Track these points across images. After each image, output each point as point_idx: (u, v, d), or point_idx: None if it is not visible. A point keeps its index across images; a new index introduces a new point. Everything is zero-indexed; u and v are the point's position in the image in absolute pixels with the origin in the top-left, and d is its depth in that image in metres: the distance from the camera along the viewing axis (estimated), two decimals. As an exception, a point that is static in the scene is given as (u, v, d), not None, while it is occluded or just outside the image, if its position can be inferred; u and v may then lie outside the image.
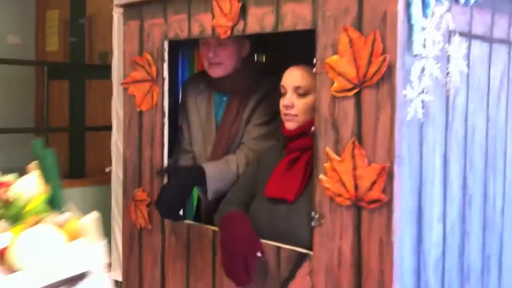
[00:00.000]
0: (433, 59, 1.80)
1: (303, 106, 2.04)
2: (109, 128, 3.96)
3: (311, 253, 1.90)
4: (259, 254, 1.98)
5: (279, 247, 1.98)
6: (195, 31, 2.23)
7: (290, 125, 2.08)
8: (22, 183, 1.70)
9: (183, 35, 2.28)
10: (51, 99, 4.73)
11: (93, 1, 5.12)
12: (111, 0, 3.43)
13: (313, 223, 1.88)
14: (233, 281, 1.99)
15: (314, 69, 1.86)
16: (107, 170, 3.73)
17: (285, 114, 2.09)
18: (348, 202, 1.79)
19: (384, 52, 1.69)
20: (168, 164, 2.40)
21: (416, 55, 1.73)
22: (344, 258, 1.82)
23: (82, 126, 5.02)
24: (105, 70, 4.60)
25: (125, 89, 2.53)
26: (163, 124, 2.39)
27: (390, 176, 1.70)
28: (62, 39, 5.47)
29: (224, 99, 2.51)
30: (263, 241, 2.02)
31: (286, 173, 2.06)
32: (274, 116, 2.36)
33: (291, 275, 1.95)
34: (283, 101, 2.08)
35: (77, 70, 5.11)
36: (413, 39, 1.71)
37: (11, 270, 1.38)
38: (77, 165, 4.97)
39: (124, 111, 2.56)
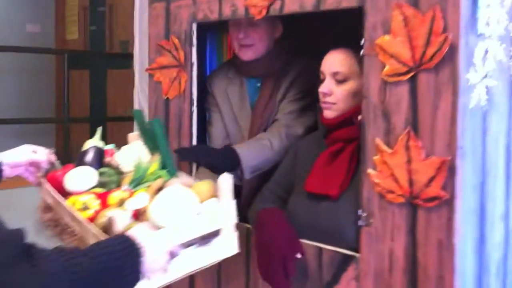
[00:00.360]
0: (497, 39, 1.60)
1: (342, 94, 1.87)
2: (131, 118, 3.83)
3: (357, 255, 1.72)
4: (299, 255, 1.80)
5: (321, 248, 1.80)
6: (227, 11, 2.05)
7: (328, 113, 1.91)
8: (127, 151, 1.85)
9: (213, 16, 2.10)
10: (71, 88, 4.62)
11: (113, -12, 4.98)
12: (131, -13, 3.29)
13: (360, 223, 1.70)
14: (270, 286, 1.81)
15: (361, 52, 1.67)
16: None
17: (323, 102, 1.92)
18: (401, 200, 1.61)
19: (445, 30, 1.49)
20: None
21: (480, 35, 1.53)
22: (396, 262, 1.63)
23: (103, 116, 4.88)
24: (126, 59, 4.50)
25: (150, 76, 2.35)
26: (191, 113, 2.21)
27: (451, 170, 1.51)
28: (82, 27, 5.35)
29: (258, 84, 2.34)
30: (303, 241, 1.84)
31: (329, 166, 1.88)
32: (307, 93, 2.24)
33: (335, 280, 1.77)
34: (321, 88, 1.91)
35: (98, 59, 4.98)
36: (478, 16, 1.51)
37: (153, 228, 1.45)
38: (98, 157, 4.82)
39: (149, 99, 2.39)
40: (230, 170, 1.97)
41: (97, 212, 1.59)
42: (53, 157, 1.88)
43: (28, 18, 5.44)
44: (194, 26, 2.18)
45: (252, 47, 2.26)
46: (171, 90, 2.26)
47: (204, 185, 1.67)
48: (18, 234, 1.13)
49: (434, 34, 1.51)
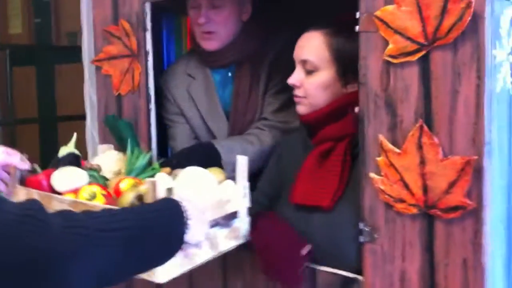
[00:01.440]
0: (522, 5, 1.30)
1: (310, 86, 1.59)
2: (82, 117, 3.50)
3: (360, 278, 1.40)
4: (304, 251, 1.49)
5: (314, 270, 1.48)
6: (186, -12, 1.70)
7: (300, 108, 1.63)
8: (104, 158, 1.81)
9: (170, -6, 1.75)
10: (16, 87, 4.21)
11: (58, -23, 4.59)
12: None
13: (362, 238, 1.38)
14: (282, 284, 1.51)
15: (356, 27, 1.34)
16: None
17: (294, 95, 1.64)
18: (414, 210, 1.29)
19: (465, -5, 1.18)
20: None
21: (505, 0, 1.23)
22: (409, 285, 1.32)
23: (53, 116, 4.49)
24: (75, 52, 4.11)
25: (98, 69, 1.99)
26: (148, 111, 1.86)
27: (477, 172, 1.21)
28: (26, 20, 4.93)
29: (230, 74, 2.01)
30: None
31: (318, 171, 1.56)
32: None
33: (332, 308, 1.45)
34: (289, 79, 1.63)
35: (44, 54, 4.58)
36: (506, -25, 1.20)
37: None
38: (50, 160, 4.45)
39: (97, 96, 2.03)
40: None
41: (108, 198, 1.52)
42: (26, 161, 1.70)
43: (-36, 12, 5.02)
44: (148, 7, 1.82)
45: (215, 35, 1.94)
46: (123, 85, 1.90)
47: (214, 170, 1.64)
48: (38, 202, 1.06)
49: (451, 1, 1.19)
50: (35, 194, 1.59)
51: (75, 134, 1.81)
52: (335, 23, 1.57)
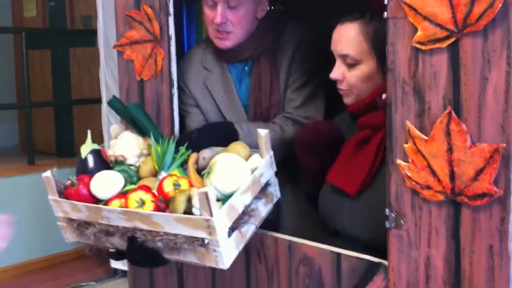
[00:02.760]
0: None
1: (354, 79, 1.60)
2: (98, 100, 3.51)
3: (385, 263, 1.41)
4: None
5: (339, 254, 1.49)
6: (209, -28, 1.70)
7: (347, 100, 1.65)
8: (122, 143, 1.81)
9: (193, -22, 1.75)
10: (32, 70, 4.23)
11: (73, -40, 4.56)
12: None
13: (388, 224, 1.38)
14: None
15: (385, 14, 1.34)
16: None
17: (339, 89, 1.64)
18: (440, 197, 1.30)
19: (496, -18, 1.17)
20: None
21: (539, -14, 1.22)
22: (434, 271, 1.33)
23: (68, 99, 4.50)
24: (89, 36, 4.14)
25: (120, 54, 1.99)
26: (171, 96, 1.87)
27: (505, 160, 1.21)
28: (40, 3, 4.92)
29: (246, 68, 2.00)
30: (316, 244, 1.54)
31: (353, 157, 1.59)
32: (311, 73, 1.94)
33: (357, 293, 1.47)
34: (331, 74, 1.63)
35: (59, 37, 4.57)
36: (538, -39, 1.19)
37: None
38: (65, 143, 4.49)
39: (119, 81, 2.03)
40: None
41: (156, 203, 1.54)
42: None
43: (-20, -5, 5.01)
44: (170, -9, 1.83)
45: (230, 35, 1.91)
46: (145, 70, 1.91)
47: (238, 146, 1.69)
48: None
49: (482, -13, 1.19)
50: (81, 206, 1.60)
51: (89, 132, 1.80)
52: (368, 11, 1.56)
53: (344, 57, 1.59)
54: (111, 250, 1.68)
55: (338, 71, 1.61)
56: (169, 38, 1.84)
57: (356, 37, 1.57)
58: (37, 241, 3.65)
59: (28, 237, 3.58)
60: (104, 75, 3.37)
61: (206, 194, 1.37)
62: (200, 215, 1.42)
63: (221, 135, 1.83)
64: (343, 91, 1.63)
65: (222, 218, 1.42)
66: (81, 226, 1.64)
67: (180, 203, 1.47)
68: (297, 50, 1.95)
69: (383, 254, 1.42)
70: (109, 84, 3.34)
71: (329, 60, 1.67)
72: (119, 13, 1.98)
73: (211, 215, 1.39)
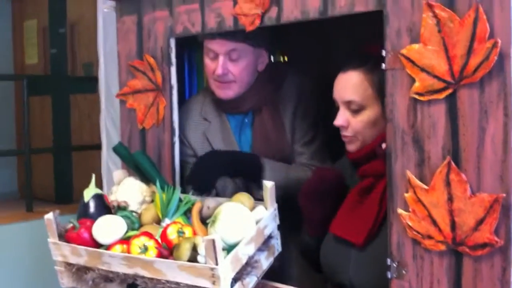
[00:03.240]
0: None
1: (359, 125, 1.59)
2: (98, 147, 3.52)
3: (387, 314, 1.40)
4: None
5: (340, 306, 1.48)
6: (211, 23, 1.73)
7: (351, 147, 1.63)
8: (125, 189, 1.81)
9: (195, 29, 1.78)
10: (32, 116, 4.25)
11: (74, 8, 4.63)
12: (93, 5, 2.96)
13: (389, 274, 1.38)
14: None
15: (382, 65, 1.37)
16: None
17: (342, 135, 1.64)
18: (441, 247, 1.30)
19: (491, 35, 1.20)
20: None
21: (533, 39, 1.25)
22: (437, 322, 1.32)
23: (67, 145, 4.51)
24: (90, 83, 4.18)
25: (122, 102, 2.02)
26: (172, 144, 1.88)
27: (505, 210, 1.21)
28: (42, 50, 4.99)
29: (246, 120, 2.00)
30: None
31: (357, 206, 1.58)
32: (317, 124, 1.96)
33: None
34: (335, 121, 1.62)
35: (60, 84, 4.61)
36: (532, 16, 1.22)
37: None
38: (64, 189, 4.48)
39: (121, 129, 2.05)
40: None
41: (159, 249, 1.53)
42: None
43: (-17, 42, 5.08)
44: (173, 42, 1.86)
45: (232, 84, 1.91)
46: (147, 119, 1.93)
47: (243, 197, 1.70)
48: None
49: (477, 40, 1.22)
50: (82, 250, 1.59)
51: (93, 176, 1.81)
52: (370, 58, 1.58)
53: (348, 103, 1.59)
54: None
55: (342, 118, 1.60)
56: (171, 87, 1.87)
57: (361, 83, 1.57)
58: (34, 288, 3.61)
59: (26, 285, 3.54)
60: (104, 121, 3.38)
61: (213, 241, 1.37)
62: (205, 263, 1.41)
63: (243, 168, 1.86)
64: (348, 137, 1.61)
65: (226, 267, 1.42)
66: (80, 270, 1.63)
67: (185, 251, 1.47)
68: (299, 104, 1.96)
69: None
70: (109, 130, 3.35)
71: (330, 108, 1.69)
72: (122, 63, 2.01)
73: (217, 263, 1.38)
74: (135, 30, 1.95)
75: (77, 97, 4.59)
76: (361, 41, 1.61)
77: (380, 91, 1.53)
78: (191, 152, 2.02)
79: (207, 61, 1.91)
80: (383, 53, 1.36)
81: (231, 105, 1.97)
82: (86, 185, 1.79)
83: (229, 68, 1.87)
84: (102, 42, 3.23)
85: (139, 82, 1.94)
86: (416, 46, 1.30)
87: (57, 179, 4.55)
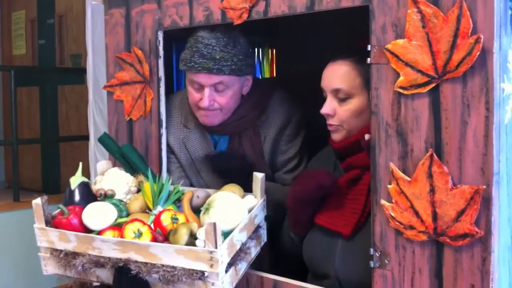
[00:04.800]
0: (527, 40, 1.35)
1: (345, 114, 1.61)
2: (85, 137, 3.52)
3: (370, 303, 1.43)
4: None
5: (325, 295, 1.51)
6: (199, 16, 1.75)
7: (335, 136, 1.66)
8: (110, 179, 1.82)
9: (183, 22, 1.80)
10: (20, 107, 4.24)
11: (62, -1, 4.62)
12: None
13: (372, 264, 1.41)
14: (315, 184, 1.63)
15: (368, 59, 1.39)
16: None
17: (328, 124, 1.66)
18: (423, 237, 1.33)
19: (474, 31, 1.23)
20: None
21: (515, 35, 1.28)
22: (418, 311, 1.36)
23: (55, 136, 4.51)
24: (78, 74, 4.17)
25: (109, 94, 2.03)
26: (160, 136, 1.90)
27: (485, 201, 1.24)
28: (30, 41, 4.97)
29: (222, 140, 2.00)
30: (298, 283, 1.56)
31: (344, 198, 1.61)
32: (301, 151, 1.99)
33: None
34: (322, 109, 1.64)
35: (48, 75, 4.60)
36: (513, 12, 1.25)
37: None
38: (51, 180, 4.49)
39: (108, 121, 2.06)
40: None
41: (154, 234, 1.55)
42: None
43: (-30, 34, 5.06)
44: (160, 35, 1.87)
45: (217, 113, 1.86)
46: (134, 110, 1.95)
47: (234, 187, 1.72)
48: None
49: (461, 36, 1.24)
50: (71, 236, 1.59)
51: (80, 164, 1.82)
52: (359, 51, 1.60)
53: (336, 91, 1.61)
54: (95, 284, 1.67)
55: (329, 107, 1.62)
56: (158, 79, 1.88)
57: (349, 72, 1.60)
58: (20, 279, 3.62)
59: (11, 275, 3.55)
60: (92, 112, 3.38)
61: (214, 225, 1.40)
62: (204, 247, 1.43)
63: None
64: (333, 126, 1.64)
65: (224, 251, 1.45)
66: (67, 256, 1.62)
67: (183, 235, 1.48)
68: (283, 129, 1.96)
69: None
70: (97, 121, 3.35)
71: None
72: (109, 55, 2.02)
73: (216, 247, 1.41)
74: (123, 23, 1.96)
75: (65, 88, 4.58)
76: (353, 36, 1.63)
77: (367, 82, 1.55)
78: (171, 153, 2.01)
79: (191, 90, 1.85)
80: (369, 47, 1.39)
81: (212, 128, 1.94)
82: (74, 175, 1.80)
83: (215, 99, 1.83)
84: (91, 33, 3.23)
85: (126, 74, 1.95)
86: (401, 41, 1.33)
87: (44, 170, 4.56)
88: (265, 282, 1.63)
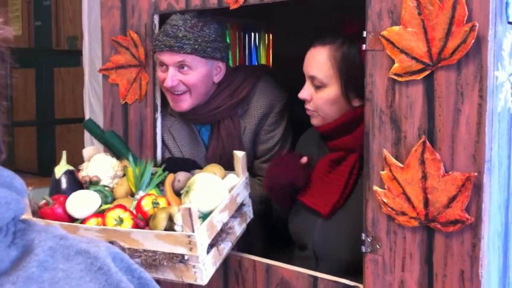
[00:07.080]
0: (522, 29, 1.35)
1: (319, 102, 1.64)
2: (81, 120, 3.52)
3: (361, 286, 1.45)
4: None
5: (316, 278, 1.52)
6: (195, 0, 1.74)
7: (313, 121, 1.69)
8: (96, 164, 1.81)
9: (179, 6, 1.79)
10: (15, 89, 4.21)
11: (59, -20, 4.59)
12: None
13: (364, 249, 1.43)
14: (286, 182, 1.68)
15: (363, 46, 1.39)
16: None
17: (306, 108, 1.69)
18: (414, 223, 1.34)
19: (469, 19, 1.23)
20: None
21: (510, 23, 1.28)
22: (408, 296, 1.37)
23: (51, 118, 4.51)
24: (74, 56, 4.17)
25: (105, 77, 2.03)
26: (155, 120, 1.90)
27: (476, 188, 1.26)
28: (26, 23, 4.95)
29: (203, 129, 2.00)
30: (294, 268, 1.57)
31: (327, 176, 1.64)
32: (282, 140, 1.98)
33: (333, 316, 1.50)
34: (300, 93, 1.67)
35: (44, 57, 4.59)
36: (509, 1, 1.25)
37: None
38: (46, 162, 4.49)
39: (104, 104, 2.06)
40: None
41: (135, 220, 1.56)
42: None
43: (-35, 14, 5.02)
44: (156, 18, 1.87)
45: (185, 96, 1.84)
46: (129, 94, 1.95)
47: (215, 167, 1.74)
48: None
49: (456, 23, 1.25)
50: (55, 225, 1.58)
51: (64, 152, 1.82)
52: (339, 37, 1.61)
53: (312, 78, 1.63)
54: None
55: (306, 92, 1.65)
56: (154, 63, 1.88)
57: (324, 61, 1.61)
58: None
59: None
60: (88, 95, 3.38)
61: (189, 210, 1.41)
62: (182, 231, 1.45)
63: None
64: (310, 111, 1.67)
65: (202, 234, 1.46)
66: None
67: (161, 220, 1.50)
68: (264, 119, 1.95)
69: (352, 272, 1.47)
70: (92, 103, 3.36)
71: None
72: (105, 38, 2.02)
73: (193, 230, 1.42)
74: (119, 6, 1.95)
75: (61, 71, 4.58)
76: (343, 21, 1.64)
77: (342, 71, 1.59)
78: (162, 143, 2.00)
79: (159, 72, 1.85)
80: (364, 34, 1.39)
81: (190, 116, 1.93)
82: (70, 158, 1.81)
83: (180, 79, 1.81)
84: (87, 16, 3.23)
85: (122, 57, 1.95)
86: (396, 28, 1.33)
87: (40, 152, 4.57)
88: (257, 265, 1.65)
